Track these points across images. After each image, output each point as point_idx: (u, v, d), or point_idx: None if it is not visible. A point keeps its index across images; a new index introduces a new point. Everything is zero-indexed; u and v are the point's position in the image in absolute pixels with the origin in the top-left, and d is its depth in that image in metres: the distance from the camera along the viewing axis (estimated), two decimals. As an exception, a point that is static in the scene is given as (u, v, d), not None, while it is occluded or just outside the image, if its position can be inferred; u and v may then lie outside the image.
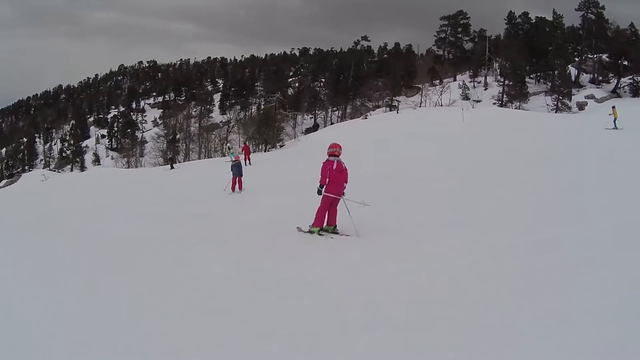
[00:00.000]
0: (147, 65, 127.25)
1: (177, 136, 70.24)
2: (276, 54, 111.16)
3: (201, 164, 40.88)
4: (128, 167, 63.35)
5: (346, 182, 8.26)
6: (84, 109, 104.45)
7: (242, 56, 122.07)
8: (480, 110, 43.85)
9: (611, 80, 52.56)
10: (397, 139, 30.33)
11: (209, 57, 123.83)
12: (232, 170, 17.16)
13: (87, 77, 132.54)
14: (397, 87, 61.36)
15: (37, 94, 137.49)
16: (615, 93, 50.22)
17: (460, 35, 67.93)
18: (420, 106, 53.39)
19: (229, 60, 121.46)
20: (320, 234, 8.11)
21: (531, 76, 57.61)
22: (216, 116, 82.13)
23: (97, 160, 76.45)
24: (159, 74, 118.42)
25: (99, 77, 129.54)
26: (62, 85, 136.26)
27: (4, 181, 68.82)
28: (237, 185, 16.91)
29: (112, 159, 75.32)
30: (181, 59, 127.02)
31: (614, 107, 27.72)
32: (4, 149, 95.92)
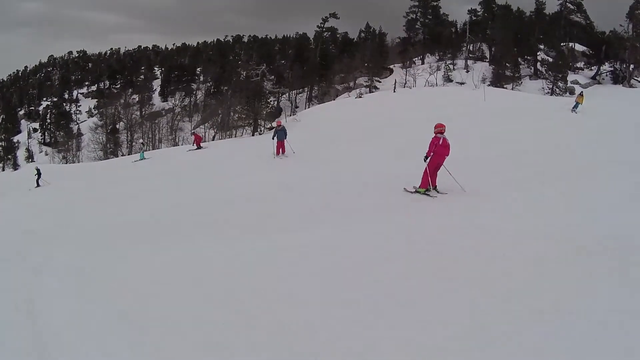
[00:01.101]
0: (77, 55, 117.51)
1: (117, 126, 66.41)
2: (209, 42, 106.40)
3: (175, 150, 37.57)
4: (66, 163, 59.06)
5: (447, 155, 10.15)
6: (14, 102, 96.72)
7: (173, 44, 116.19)
8: (491, 90, 41.45)
9: (592, 68, 54.32)
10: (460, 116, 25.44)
11: (140, 46, 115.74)
12: (276, 135, 19.85)
13: (16, 70, 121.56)
14: (375, 68, 60.49)
15: None
16: (594, 80, 51.95)
17: (430, 18, 66.91)
18: (405, 87, 52.53)
19: (162, 48, 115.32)
20: (426, 194, 10.30)
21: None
22: (157, 103, 78.24)
23: (30, 157, 70.74)
24: (90, 64, 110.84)
25: (28, 70, 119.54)
26: None
27: None
28: (280, 150, 19.76)
29: (47, 154, 70.49)
30: (111, 48, 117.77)
31: (581, 93, 28.89)
32: None
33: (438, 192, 10.32)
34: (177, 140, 62.57)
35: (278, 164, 19.10)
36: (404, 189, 10.76)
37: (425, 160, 10.15)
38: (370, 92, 53.87)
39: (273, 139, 20.01)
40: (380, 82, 59.12)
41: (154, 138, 62.99)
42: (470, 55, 62.00)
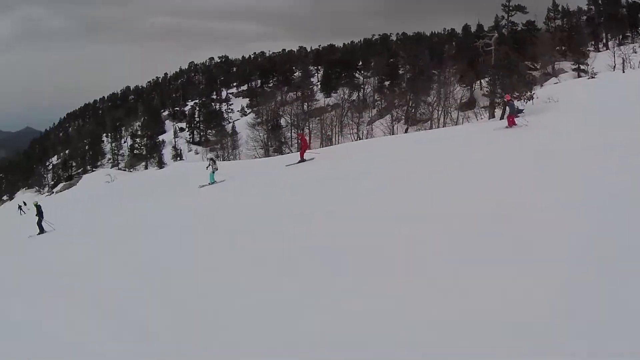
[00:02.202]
0: (219, 60, 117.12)
1: (280, 122, 56.92)
2: (355, 42, 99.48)
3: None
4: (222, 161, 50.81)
5: None
6: (156, 104, 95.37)
7: (319, 45, 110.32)
8: None
9: None
10: None
11: (284, 49, 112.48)
12: (509, 108, 19.91)
13: (156, 77, 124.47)
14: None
15: (104, 97, 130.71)
16: None
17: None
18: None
19: (307, 50, 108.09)
20: None
21: None
22: (321, 99, 69.63)
23: (178, 156, 65.07)
24: (234, 68, 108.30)
25: (169, 76, 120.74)
26: (129, 86, 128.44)
27: (60, 184, 65.34)
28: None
29: (197, 153, 64.99)
30: (254, 52, 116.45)
31: None
32: (67, 151, 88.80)
33: None
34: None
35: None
36: None
37: None
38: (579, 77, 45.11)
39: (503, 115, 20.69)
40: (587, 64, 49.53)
41: (323, 134, 54.96)
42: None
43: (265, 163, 30.52)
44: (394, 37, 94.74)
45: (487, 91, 39.44)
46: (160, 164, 61.50)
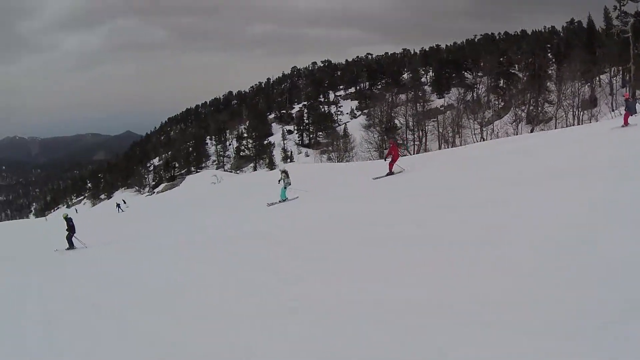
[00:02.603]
0: (322, 64, 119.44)
1: (394, 123, 56.19)
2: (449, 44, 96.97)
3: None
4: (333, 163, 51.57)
5: None
6: (261, 107, 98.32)
7: (421, 48, 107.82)
8: None
9: None
10: None
11: (386, 52, 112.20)
12: (628, 106, 17.61)
13: (259, 82, 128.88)
14: None
15: (206, 102, 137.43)
16: None
17: None
18: None
19: (410, 53, 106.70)
20: None
21: None
22: (435, 100, 68.60)
23: (288, 157, 66.31)
24: (338, 72, 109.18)
25: (272, 81, 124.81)
26: (232, 92, 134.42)
27: (162, 185, 68.06)
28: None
29: (307, 155, 65.76)
30: (357, 56, 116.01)
31: None
32: (169, 153, 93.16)
33: None
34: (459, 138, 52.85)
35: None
36: None
37: None
38: None
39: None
40: None
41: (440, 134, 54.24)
42: None
43: (348, 171, 28.22)
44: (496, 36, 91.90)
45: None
46: (271, 166, 62.62)
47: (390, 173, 17.60)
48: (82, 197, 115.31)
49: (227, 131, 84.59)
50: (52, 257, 15.37)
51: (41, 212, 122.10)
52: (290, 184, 17.70)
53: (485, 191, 9.78)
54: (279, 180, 17.94)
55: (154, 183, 79.47)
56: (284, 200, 17.43)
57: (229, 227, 14.07)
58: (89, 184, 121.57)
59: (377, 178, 17.67)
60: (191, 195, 39.84)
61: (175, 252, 10.89)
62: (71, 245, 16.43)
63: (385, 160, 18.87)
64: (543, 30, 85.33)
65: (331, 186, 20.05)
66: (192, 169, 77.26)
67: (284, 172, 18.31)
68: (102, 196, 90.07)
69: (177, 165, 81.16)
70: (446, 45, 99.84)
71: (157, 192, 62.83)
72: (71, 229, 16.57)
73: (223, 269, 7.75)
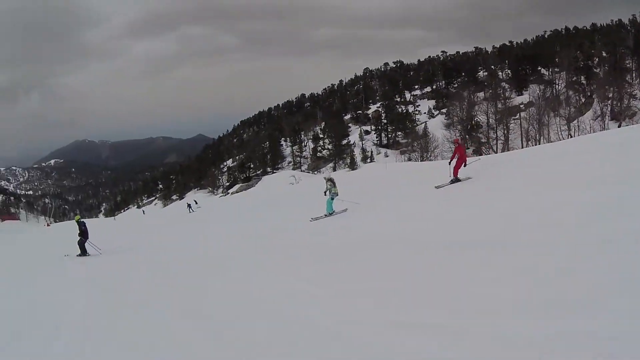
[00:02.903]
0: (394, 65, 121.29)
1: (477, 121, 57.16)
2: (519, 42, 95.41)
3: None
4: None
5: None
6: (336, 108, 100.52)
7: (492, 46, 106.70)
8: None
9: None
10: None
11: (458, 52, 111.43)
12: None
13: (331, 84, 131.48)
14: None
15: (278, 104, 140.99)
16: None
17: None
18: None
19: (483, 50, 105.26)
20: None
21: None
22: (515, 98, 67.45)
23: (368, 158, 67.70)
24: (410, 72, 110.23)
25: (344, 82, 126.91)
26: (304, 94, 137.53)
27: (237, 185, 69.45)
28: None
29: (387, 156, 67.01)
30: (429, 56, 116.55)
31: None
32: (243, 154, 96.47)
33: None
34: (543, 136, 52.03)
35: None
36: None
37: None
38: None
39: None
40: None
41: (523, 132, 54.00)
42: None
43: (405, 174, 26.51)
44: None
45: None
46: (353, 166, 63.18)
47: (456, 180, 15.59)
48: (153, 198, 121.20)
49: (302, 132, 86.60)
50: (52, 262, 15.35)
51: (111, 212, 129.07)
52: (337, 194, 16.39)
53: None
54: (325, 192, 16.47)
55: (227, 184, 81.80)
56: (330, 214, 16.11)
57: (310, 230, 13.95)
58: (160, 186, 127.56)
59: (439, 187, 15.73)
60: (267, 196, 40.11)
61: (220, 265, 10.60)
62: (83, 252, 15.58)
63: (449, 163, 16.18)
64: (611, 24, 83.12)
65: (385, 197, 18.36)
66: (268, 169, 79.66)
67: (330, 180, 16.69)
68: (174, 197, 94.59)
69: (252, 166, 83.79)
70: (517, 42, 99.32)
71: (232, 193, 64.81)
72: (83, 234, 15.67)
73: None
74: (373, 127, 78.93)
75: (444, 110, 73.03)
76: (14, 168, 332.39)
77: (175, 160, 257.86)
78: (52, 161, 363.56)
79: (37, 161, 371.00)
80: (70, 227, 42.28)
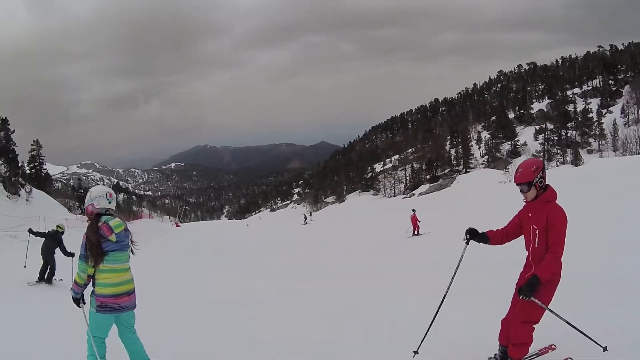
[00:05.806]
0: (527, 67, 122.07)
1: None
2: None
3: None
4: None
5: None
6: (489, 108, 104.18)
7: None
8: None
9: None
10: None
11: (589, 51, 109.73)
12: None
13: (465, 88, 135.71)
14: None
15: (411, 110, 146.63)
16: None
17: None
18: None
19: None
20: None
21: None
22: None
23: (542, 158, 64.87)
24: (549, 72, 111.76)
25: (478, 86, 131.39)
26: (438, 99, 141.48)
27: (425, 186, 70.77)
28: None
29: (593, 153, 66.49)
30: (562, 56, 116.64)
31: None
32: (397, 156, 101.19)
33: None
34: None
35: None
36: None
37: None
38: None
39: None
40: None
41: None
42: None
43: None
44: None
45: None
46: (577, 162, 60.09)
47: None
48: (287, 202, 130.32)
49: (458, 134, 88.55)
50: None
51: (234, 215, 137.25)
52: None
53: None
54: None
55: (410, 184, 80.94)
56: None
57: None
58: (298, 189, 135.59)
59: None
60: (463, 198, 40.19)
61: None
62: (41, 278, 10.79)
63: None
64: None
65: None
66: (458, 168, 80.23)
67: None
68: (328, 199, 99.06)
69: (439, 164, 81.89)
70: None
71: (419, 194, 65.70)
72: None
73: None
74: (544, 126, 76.52)
75: (613, 107, 76.26)
76: (132, 170, 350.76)
77: (299, 166, 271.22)
78: (173, 164, 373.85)
79: (156, 164, 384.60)
80: (200, 227, 46.12)
